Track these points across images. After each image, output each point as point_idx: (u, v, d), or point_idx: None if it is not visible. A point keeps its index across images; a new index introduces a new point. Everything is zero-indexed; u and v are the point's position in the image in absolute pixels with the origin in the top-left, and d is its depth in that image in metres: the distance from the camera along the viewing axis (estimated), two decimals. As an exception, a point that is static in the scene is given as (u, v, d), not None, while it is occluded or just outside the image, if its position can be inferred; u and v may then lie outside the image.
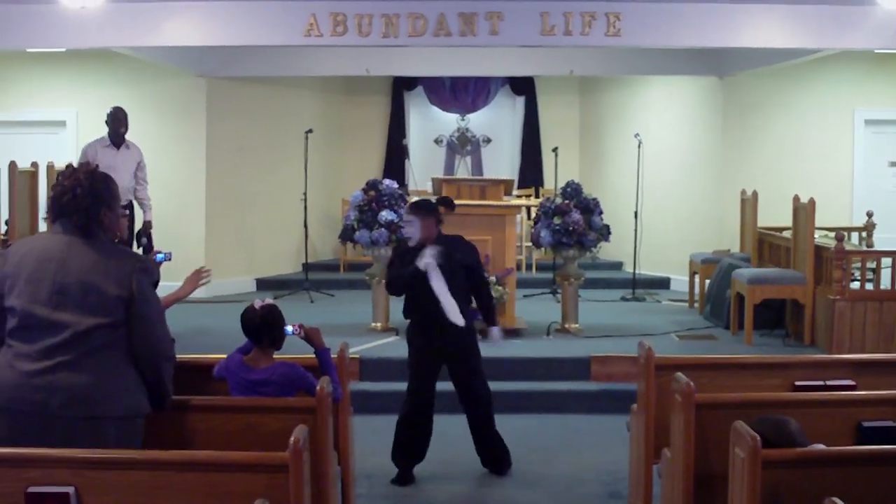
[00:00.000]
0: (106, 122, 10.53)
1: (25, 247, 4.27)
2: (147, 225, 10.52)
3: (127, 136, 10.58)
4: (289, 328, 5.29)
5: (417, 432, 6.98)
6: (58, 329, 4.10)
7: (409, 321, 7.13)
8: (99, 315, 4.13)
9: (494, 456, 7.15)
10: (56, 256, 4.16)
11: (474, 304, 7.21)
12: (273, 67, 12.99)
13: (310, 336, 5.38)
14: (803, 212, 9.97)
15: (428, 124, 15.93)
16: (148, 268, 4.28)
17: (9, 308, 4.17)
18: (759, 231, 11.60)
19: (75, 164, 4.40)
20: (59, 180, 4.25)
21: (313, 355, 5.42)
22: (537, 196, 14.48)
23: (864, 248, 11.31)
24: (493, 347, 7.40)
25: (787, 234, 10.71)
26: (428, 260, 6.67)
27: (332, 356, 5.48)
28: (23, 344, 4.13)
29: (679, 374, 4.95)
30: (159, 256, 5.34)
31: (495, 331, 7.26)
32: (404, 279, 6.84)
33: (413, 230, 6.88)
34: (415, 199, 11.09)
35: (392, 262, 7.09)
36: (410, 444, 6.98)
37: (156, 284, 4.34)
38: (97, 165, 4.38)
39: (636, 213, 12.58)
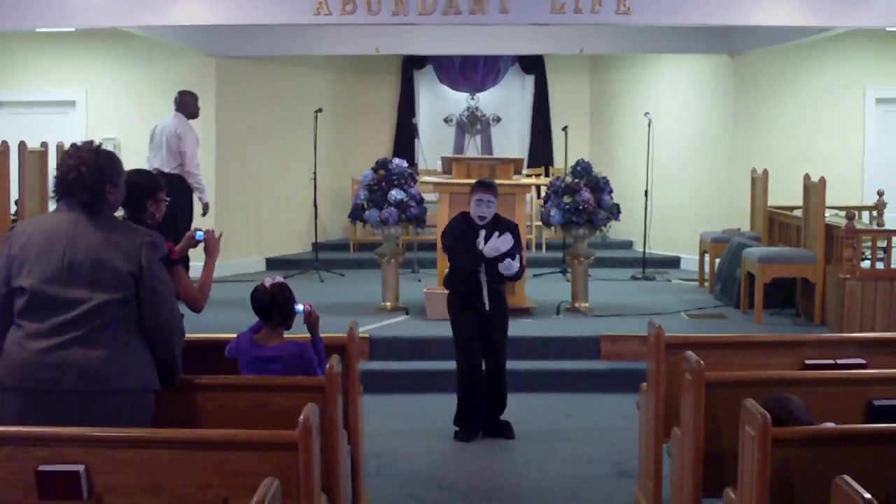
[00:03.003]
0: (180, 101, 10.87)
1: (31, 227, 4.28)
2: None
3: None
4: (299, 306, 5.29)
5: (475, 386, 7.37)
6: (69, 306, 4.12)
7: (448, 291, 7.51)
8: (110, 290, 4.14)
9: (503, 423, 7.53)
10: (64, 234, 4.17)
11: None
12: (282, 47, 12.97)
13: (312, 323, 5.37)
14: (814, 190, 9.94)
15: (438, 103, 15.90)
16: (156, 242, 4.30)
17: (18, 289, 4.18)
18: (769, 210, 11.58)
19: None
20: (64, 158, 4.26)
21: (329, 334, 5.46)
22: (547, 175, 14.44)
23: (875, 227, 11.28)
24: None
25: (797, 212, 10.69)
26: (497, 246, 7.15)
27: (342, 335, 5.49)
28: (33, 322, 4.15)
29: (689, 352, 4.95)
30: (199, 234, 5.33)
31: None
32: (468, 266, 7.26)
33: (491, 210, 7.27)
34: (426, 178, 11.10)
35: (454, 242, 7.37)
36: (470, 399, 7.38)
37: (164, 258, 4.35)
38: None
39: (646, 192, 12.54)
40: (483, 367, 7.43)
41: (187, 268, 5.24)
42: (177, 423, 4.41)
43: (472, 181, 9.62)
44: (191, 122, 10.89)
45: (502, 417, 7.54)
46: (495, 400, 7.49)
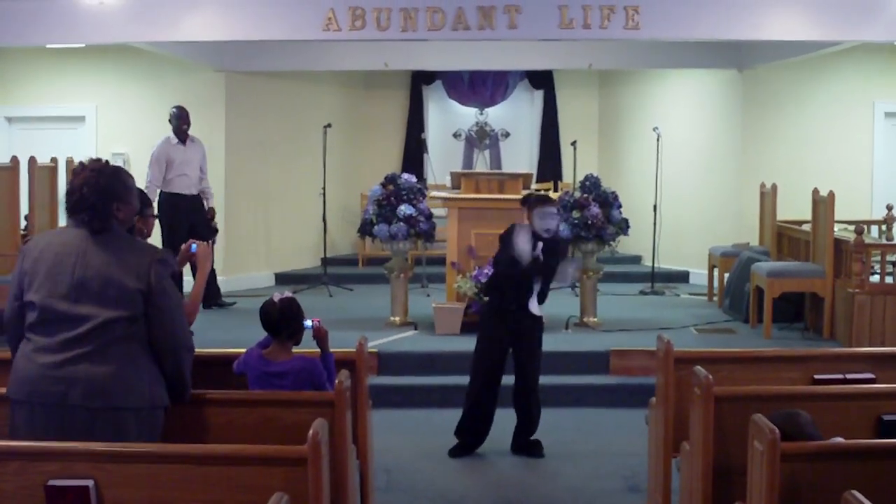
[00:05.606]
0: (169, 120, 11.14)
1: (44, 241, 4.30)
2: (211, 212, 11.30)
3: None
4: (308, 322, 5.29)
5: (482, 404, 7.34)
6: (77, 322, 4.13)
7: (483, 304, 7.67)
8: (118, 308, 4.16)
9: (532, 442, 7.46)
10: (75, 251, 4.19)
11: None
12: (292, 62, 13.00)
13: (321, 338, 5.36)
14: (823, 205, 9.93)
15: (446, 118, 15.93)
16: (165, 260, 4.31)
17: (28, 303, 4.20)
18: (778, 224, 11.58)
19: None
20: (71, 177, 4.29)
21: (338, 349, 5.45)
22: (556, 190, 14.43)
23: (884, 242, 11.26)
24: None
25: (806, 227, 10.67)
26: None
27: (350, 350, 5.49)
28: (42, 337, 4.17)
29: (698, 367, 4.94)
30: (194, 247, 5.32)
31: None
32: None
33: (556, 223, 7.42)
34: (435, 193, 11.12)
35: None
36: (472, 415, 7.37)
37: (175, 276, 4.36)
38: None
39: (655, 207, 12.54)
40: (496, 383, 7.41)
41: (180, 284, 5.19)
42: (186, 439, 4.41)
43: (481, 196, 9.77)
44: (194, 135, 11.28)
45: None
46: (525, 421, 7.43)
